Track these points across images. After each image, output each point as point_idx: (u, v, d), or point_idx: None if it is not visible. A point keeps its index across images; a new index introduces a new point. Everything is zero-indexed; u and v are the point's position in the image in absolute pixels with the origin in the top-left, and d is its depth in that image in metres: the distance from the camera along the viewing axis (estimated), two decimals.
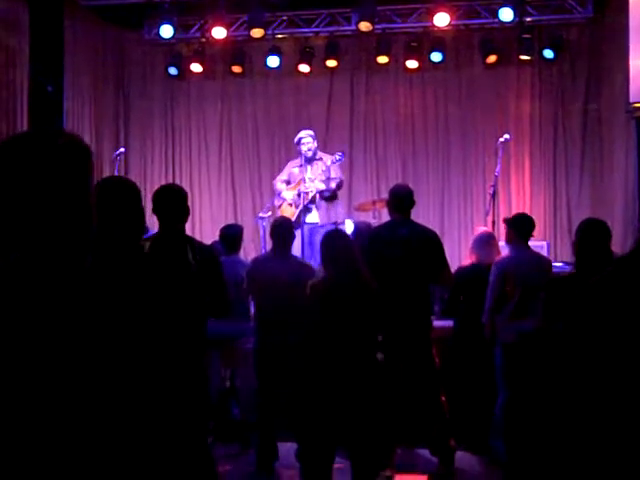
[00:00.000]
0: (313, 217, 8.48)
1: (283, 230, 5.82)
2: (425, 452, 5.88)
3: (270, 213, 8.81)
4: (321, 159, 8.62)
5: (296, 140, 8.70)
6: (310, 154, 8.52)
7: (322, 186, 8.41)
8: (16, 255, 1.55)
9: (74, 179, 1.57)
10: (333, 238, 4.97)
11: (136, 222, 3.07)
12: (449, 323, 6.41)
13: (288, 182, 8.74)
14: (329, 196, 8.59)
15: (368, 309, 4.79)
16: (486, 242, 6.26)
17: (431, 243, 5.61)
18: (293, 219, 7.91)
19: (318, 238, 8.16)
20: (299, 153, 8.67)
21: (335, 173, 8.55)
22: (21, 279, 1.53)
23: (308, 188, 8.40)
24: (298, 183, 8.51)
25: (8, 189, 1.54)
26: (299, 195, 8.38)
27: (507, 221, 6.08)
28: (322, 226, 8.32)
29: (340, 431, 4.79)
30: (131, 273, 2.63)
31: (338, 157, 8.48)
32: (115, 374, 1.55)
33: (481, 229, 6.72)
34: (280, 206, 8.71)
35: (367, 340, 4.85)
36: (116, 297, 1.63)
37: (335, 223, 9.60)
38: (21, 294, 1.51)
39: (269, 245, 9.09)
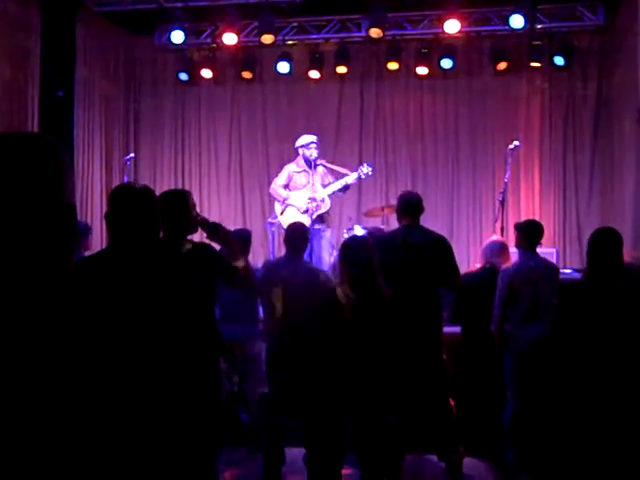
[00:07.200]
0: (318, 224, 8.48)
1: (298, 236, 5.80)
2: (433, 458, 5.86)
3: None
4: (321, 165, 8.62)
5: (305, 143, 8.58)
6: (314, 157, 8.46)
7: (332, 190, 8.48)
8: None
9: (42, 177, 1.53)
10: (356, 245, 4.98)
11: (151, 228, 3.04)
12: (458, 329, 6.39)
13: (287, 186, 8.63)
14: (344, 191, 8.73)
15: (380, 319, 4.83)
16: (501, 251, 6.23)
17: (442, 248, 5.63)
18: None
19: (324, 243, 8.27)
20: (303, 157, 8.57)
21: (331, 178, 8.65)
22: None
23: (323, 200, 8.39)
24: (309, 189, 8.46)
25: None
26: (311, 200, 8.36)
27: (517, 226, 6.14)
28: (324, 230, 8.43)
29: (349, 435, 4.81)
30: (129, 277, 2.61)
31: (366, 170, 8.54)
32: (101, 378, 1.50)
33: (494, 237, 6.69)
34: (283, 212, 8.57)
35: (378, 347, 4.87)
36: (102, 298, 1.59)
37: (349, 218, 9.66)
38: None
39: (277, 250, 9.15)
